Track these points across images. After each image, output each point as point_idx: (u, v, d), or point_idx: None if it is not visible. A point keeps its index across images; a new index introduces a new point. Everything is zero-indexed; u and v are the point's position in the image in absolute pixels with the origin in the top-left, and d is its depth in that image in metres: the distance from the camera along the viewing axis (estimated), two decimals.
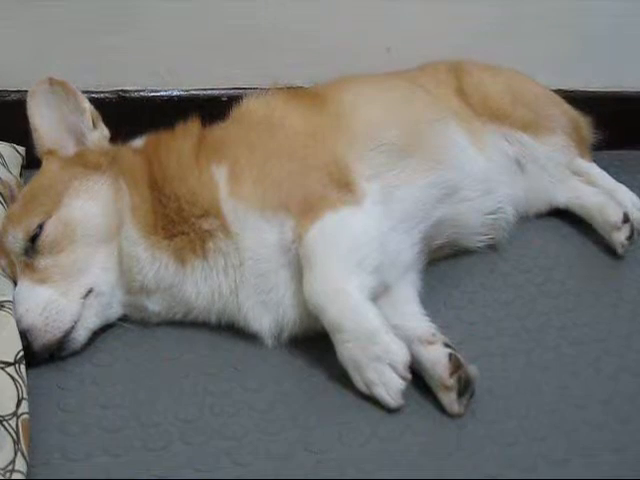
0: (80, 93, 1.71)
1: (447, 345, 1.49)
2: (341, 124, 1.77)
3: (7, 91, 2.20)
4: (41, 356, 1.52)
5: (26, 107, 1.69)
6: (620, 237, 1.99)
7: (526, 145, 2.10)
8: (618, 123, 2.36)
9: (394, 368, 1.43)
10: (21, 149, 2.06)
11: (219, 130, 1.76)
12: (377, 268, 1.54)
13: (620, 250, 1.99)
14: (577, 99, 2.31)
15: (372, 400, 1.45)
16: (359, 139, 1.75)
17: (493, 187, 1.96)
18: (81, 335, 1.57)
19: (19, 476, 1.22)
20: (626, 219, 1.99)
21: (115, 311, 1.65)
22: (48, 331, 1.51)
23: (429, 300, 1.69)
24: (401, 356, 1.43)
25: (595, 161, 2.25)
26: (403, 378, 1.43)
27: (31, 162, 1.91)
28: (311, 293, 1.49)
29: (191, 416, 1.42)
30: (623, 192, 2.13)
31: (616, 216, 2.00)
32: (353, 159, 1.70)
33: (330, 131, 1.74)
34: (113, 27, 2.22)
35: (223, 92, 2.32)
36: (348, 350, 1.45)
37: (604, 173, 2.20)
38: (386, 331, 1.44)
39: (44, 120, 1.70)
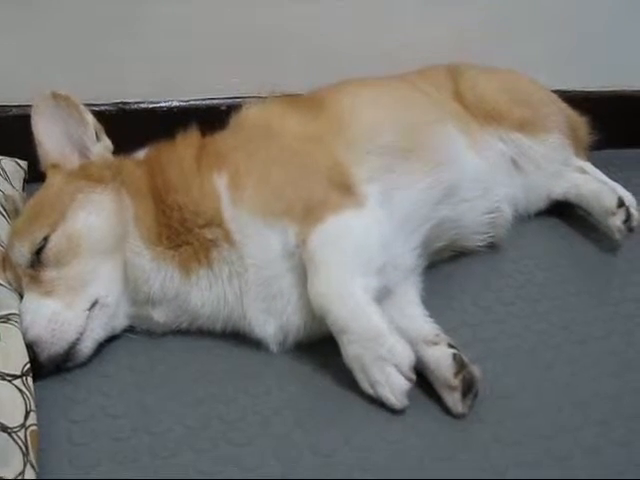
0: (83, 106, 1.72)
1: (451, 345, 1.50)
2: (340, 127, 1.78)
3: (9, 106, 2.21)
4: (48, 368, 1.52)
5: (29, 122, 1.69)
6: (616, 222, 2.00)
7: (522, 145, 2.12)
8: (615, 123, 2.36)
9: (399, 369, 1.43)
10: (23, 163, 2.07)
11: (219, 139, 1.77)
12: (380, 270, 1.55)
13: (617, 235, 2.00)
14: (574, 99, 2.32)
15: (377, 403, 1.45)
16: (358, 142, 1.76)
17: (491, 187, 1.97)
18: (87, 346, 1.57)
19: None
20: (621, 203, 2.00)
21: (121, 322, 1.65)
22: (54, 343, 1.52)
23: (431, 302, 1.69)
24: (406, 357, 1.44)
25: (592, 161, 2.26)
26: (408, 379, 1.44)
27: (34, 176, 1.92)
28: (316, 295, 1.49)
29: (198, 423, 1.42)
30: (619, 191, 2.14)
31: (611, 201, 2.03)
32: (352, 162, 1.71)
33: (329, 135, 1.75)
34: (112, 39, 2.23)
35: (222, 101, 2.34)
36: (353, 351, 1.46)
37: (600, 172, 2.21)
38: (391, 332, 1.45)
39: (48, 134, 1.71)
